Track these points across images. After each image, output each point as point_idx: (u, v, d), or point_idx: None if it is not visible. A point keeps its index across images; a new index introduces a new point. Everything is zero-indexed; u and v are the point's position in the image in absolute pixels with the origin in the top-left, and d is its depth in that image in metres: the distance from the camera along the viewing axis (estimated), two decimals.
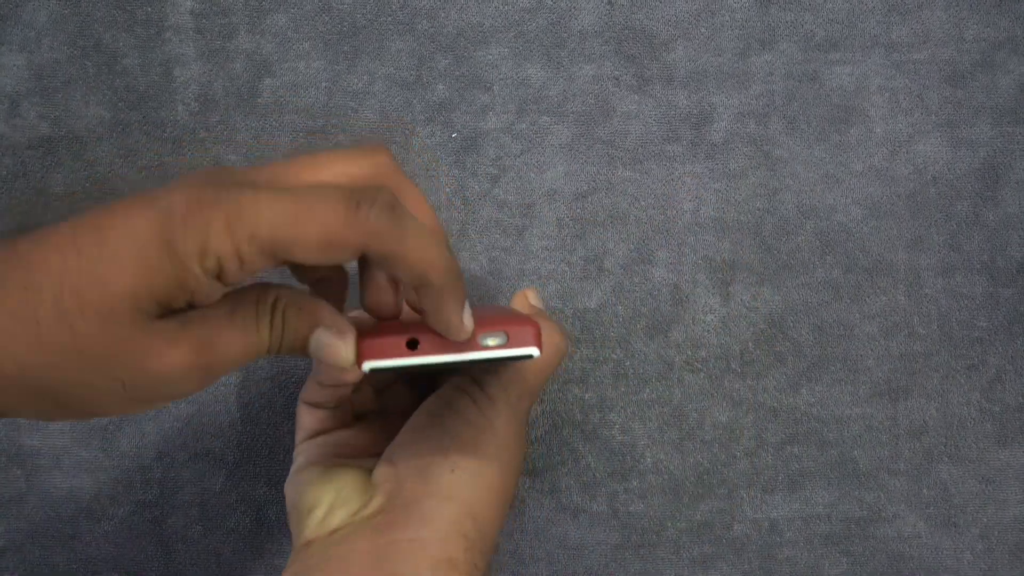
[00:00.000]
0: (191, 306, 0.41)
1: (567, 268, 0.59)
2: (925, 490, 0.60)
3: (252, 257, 0.40)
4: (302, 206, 0.40)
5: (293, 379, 0.59)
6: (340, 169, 0.44)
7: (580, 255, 0.59)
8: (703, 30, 0.58)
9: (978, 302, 0.59)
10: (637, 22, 0.58)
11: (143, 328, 0.40)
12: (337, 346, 0.44)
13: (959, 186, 0.59)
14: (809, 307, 0.59)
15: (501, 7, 0.58)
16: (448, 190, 0.59)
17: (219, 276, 0.40)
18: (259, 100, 0.58)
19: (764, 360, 0.59)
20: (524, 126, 0.58)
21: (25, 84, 0.57)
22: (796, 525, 0.60)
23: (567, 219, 0.59)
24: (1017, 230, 0.59)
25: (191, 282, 0.40)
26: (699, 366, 0.59)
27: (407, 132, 0.59)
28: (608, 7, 0.58)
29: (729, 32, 0.58)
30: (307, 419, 0.54)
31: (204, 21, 0.57)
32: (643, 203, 0.59)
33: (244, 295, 0.43)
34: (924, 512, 0.60)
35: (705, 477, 0.60)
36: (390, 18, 0.58)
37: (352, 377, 0.49)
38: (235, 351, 0.42)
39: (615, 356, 0.59)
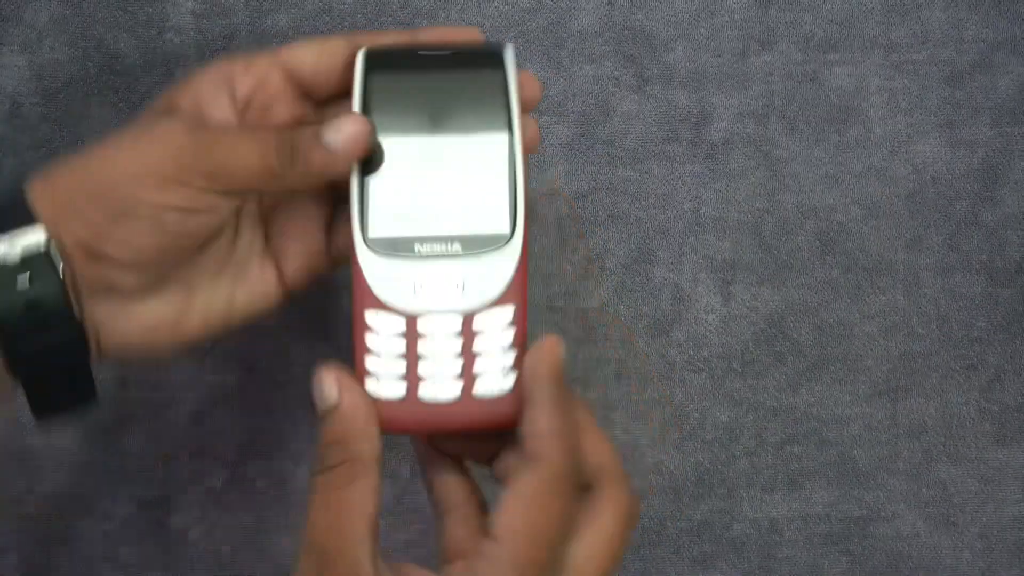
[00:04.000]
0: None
1: (569, 267, 0.59)
2: (924, 489, 0.60)
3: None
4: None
5: (292, 379, 0.59)
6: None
7: (581, 254, 0.59)
8: (703, 30, 0.58)
9: (977, 302, 0.59)
10: (637, 22, 0.58)
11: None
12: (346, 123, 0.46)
13: (958, 186, 0.59)
14: (809, 307, 0.59)
15: (501, 7, 0.58)
16: None
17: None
18: None
19: (764, 360, 0.59)
20: None
21: (26, 85, 0.57)
22: (796, 524, 0.60)
23: (568, 218, 0.59)
24: (1016, 230, 0.59)
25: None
26: (701, 366, 0.59)
27: None
28: (608, 7, 0.58)
29: (728, 32, 0.58)
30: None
31: (205, 22, 0.57)
32: (643, 203, 0.59)
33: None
34: (923, 511, 0.60)
35: (705, 477, 0.60)
36: (390, 18, 0.58)
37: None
38: (240, 158, 0.45)
39: (617, 356, 0.59)
